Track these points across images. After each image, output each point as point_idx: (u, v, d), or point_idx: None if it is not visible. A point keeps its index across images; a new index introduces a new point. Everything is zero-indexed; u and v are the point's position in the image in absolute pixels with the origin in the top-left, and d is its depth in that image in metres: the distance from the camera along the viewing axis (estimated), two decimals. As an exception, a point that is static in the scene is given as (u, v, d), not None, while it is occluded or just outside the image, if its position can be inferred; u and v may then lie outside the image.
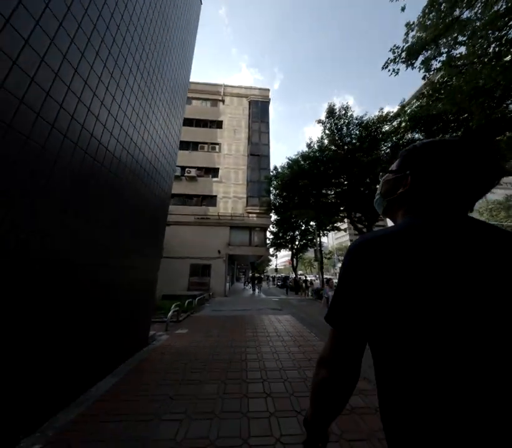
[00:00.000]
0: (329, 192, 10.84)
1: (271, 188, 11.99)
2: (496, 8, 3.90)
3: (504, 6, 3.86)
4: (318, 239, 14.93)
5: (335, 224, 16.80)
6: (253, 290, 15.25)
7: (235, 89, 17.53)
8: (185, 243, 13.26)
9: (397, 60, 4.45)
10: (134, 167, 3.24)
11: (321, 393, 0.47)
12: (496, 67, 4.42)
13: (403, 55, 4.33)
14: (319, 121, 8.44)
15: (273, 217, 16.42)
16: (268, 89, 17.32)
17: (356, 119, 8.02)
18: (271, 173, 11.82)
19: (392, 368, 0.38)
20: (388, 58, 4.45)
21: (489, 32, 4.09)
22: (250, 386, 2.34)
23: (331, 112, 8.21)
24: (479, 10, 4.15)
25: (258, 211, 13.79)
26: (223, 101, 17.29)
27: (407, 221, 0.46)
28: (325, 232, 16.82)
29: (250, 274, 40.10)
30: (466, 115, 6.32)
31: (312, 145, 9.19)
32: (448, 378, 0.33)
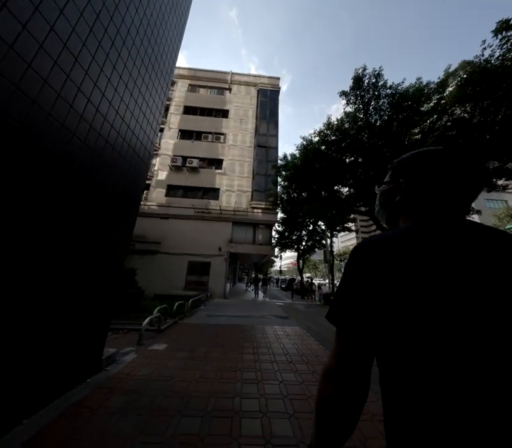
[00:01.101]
0: (342, 188, 9.62)
1: (279, 180, 10.69)
2: None
3: None
4: (328, 240, 13.65)
5: (346, 225, 15.52)
6: (256, 293, 13.12)
7: (244, 77, 16.48)
8: (184, 238, 12.24)
9: None
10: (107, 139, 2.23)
11: (328, 412, 0.43)
12: None
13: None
14: (343, 93, 7.03)
15: (279, 215, 15.27)
16: (278, 78, 16.19)
17: (390, 88, 6.55)
18: (279, 162, 10.47)
19: (395, 373, 0.37)
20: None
21: None
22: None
23: (357, 81, 6.57)
24: None
25: (263, 206, 12.63)
26: (230, 89, 16.28)
27: (408, 225, 0.47)
28: (335, 233, 15.51)
29: (253, 275, 38.51)
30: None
31: (331, 126, 7.77)
32: (450, 381, 0.32)
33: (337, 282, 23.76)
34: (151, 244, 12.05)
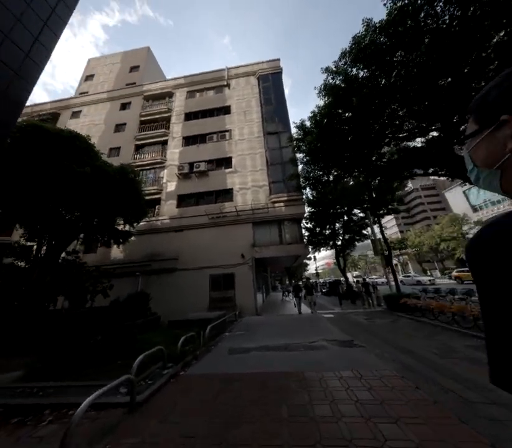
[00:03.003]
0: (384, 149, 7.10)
1: (300, 156, 8.14)
2: None
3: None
4: (375, 227, 10.84)
5: (390, 206, 12.41)
6: (299, 307, 9.40)
7: (241, 68, 15.37)
8: (202, 250, 10.77)
9: None
10: None
11: None
12: None
13: None
14: None
15: (306, 209, 12.96)
16: (278, 59, 14.64)
17: None
18: (295, 131, 7.89)
19: None
20: None
21: None
22: None
23: None
24: None
25: (286, 198, 10.59)
26: (228, 85, 15.26)
27: None
28: (376, 218, 12.46)
29: (287, 282, 34.95)
30: None
31: (374, 25, 4.63)
32: None
33: (406, 278, 19.38)
34: (167, 262, 10.84)
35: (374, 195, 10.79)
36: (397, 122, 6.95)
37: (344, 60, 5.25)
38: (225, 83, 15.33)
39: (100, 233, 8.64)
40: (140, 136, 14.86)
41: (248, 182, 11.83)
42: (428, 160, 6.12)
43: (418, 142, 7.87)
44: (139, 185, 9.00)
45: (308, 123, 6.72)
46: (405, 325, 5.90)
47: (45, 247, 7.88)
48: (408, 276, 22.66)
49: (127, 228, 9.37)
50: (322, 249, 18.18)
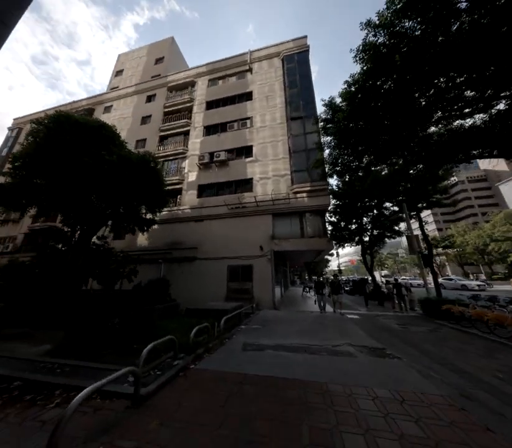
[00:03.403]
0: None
1: (328, 139, 7.10)
2: None
3: None
4: (412, 221, 9.58)
5: (432, 198, 10.70)
6: (321, 305, 8.39)
7: (263, 51, 14.41)
8: (220, 240, 10.68)
9: None
10: None
11: None
12: None
13: None
14: None
15: (331, 201, 11.97)
16: (305, 37, 13.33)
17: None
18: (323, 110, 6.77)
19: None
20: None
21: None
22: None
23: None
24: None
25: (309, 188, 9.82)
26: (250, 70, 14.47)
27: None
28: (413, 213, 10.91)
29: (306, 277, 33.95)
30: None
31: None
32: None
33: (447, 281, 17.43)
34: (187, 251, 11.01)
35: (412, 186, 9.45)
36: (452, 93, 5.71)
37: (394, 7, 4.17)
38: (247, 68, 14.55)
39: (126, 220, 9.00)
40: (164, 127, 15.04)
41: (269, 171, 11.25)
42: (494, 139, 4.90)
43: (478, 119, 6.48)
44: (160, 173, 9.09)
45: (338, 100, 5.82)
46: (449, 336, 5.02)
47: (78, 232, 8.49)
48: (450, 279, 20.08)
49: (149, 216, 9.67)
50: (346, 245, 17.01)
